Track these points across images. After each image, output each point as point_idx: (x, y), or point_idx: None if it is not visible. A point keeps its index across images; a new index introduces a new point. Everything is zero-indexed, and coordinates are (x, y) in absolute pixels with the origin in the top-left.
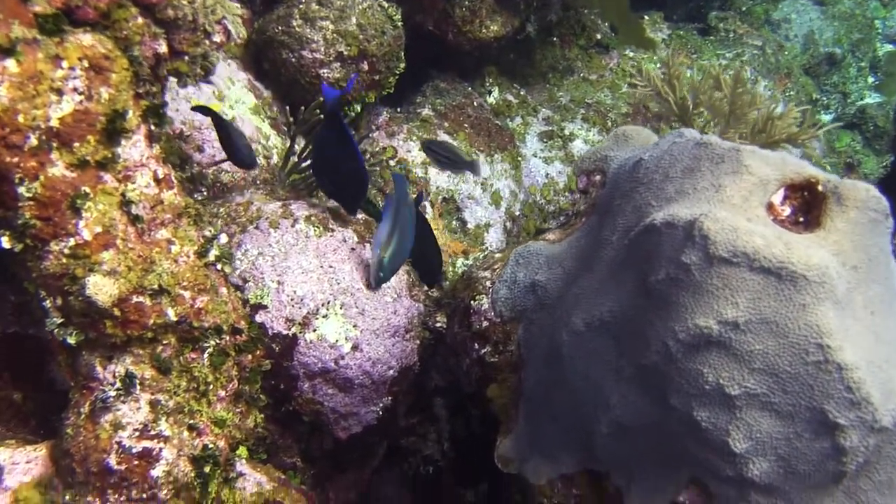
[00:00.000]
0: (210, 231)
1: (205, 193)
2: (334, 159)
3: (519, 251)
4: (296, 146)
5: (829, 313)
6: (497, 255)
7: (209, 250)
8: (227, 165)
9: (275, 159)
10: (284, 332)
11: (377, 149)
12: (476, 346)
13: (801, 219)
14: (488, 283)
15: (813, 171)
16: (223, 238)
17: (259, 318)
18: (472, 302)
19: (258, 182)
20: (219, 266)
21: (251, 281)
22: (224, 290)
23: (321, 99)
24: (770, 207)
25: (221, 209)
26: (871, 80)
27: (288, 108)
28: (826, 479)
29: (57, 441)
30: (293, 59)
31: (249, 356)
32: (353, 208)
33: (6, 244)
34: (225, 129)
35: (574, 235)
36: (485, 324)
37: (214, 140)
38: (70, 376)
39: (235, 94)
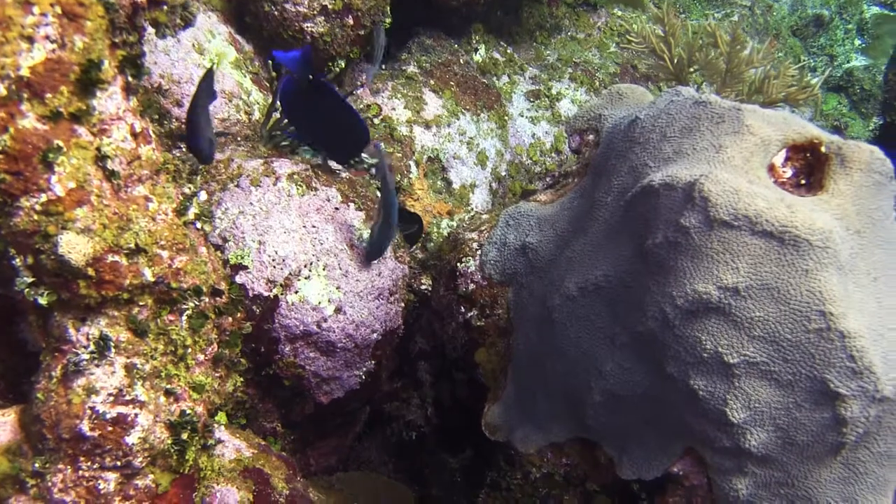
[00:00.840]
0: (189, 188)
1: (183, 149)
2: (323, 116)
3: (509, 212)
4: (277, 102)
5: (832, 279)
6: (484, 217)
7: (188, 208)
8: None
9: (256, 115)
10: (265, 294)
11: (361, 106)
12: (462, 309)
13: (804, 181)
14: (475, 245)
15: (816, 132)
16: (203, 195)
17: (239, 278)
18: (458, 264)
19: (239, 139)
20: (198, 224)
21: (231, 241)
22: (204, 249)
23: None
24: (771, 169)
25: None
26: (857, 42)
27: (270, 63)
28: (825, 450)
29: (27, 406)
30: (276, 13)
31: (230, 319)
32: (346, 159)
33: None
34: (197, 108)
35: (567, 196)
36: (471, 286)
37: None
38: (42, 338)
39: (216, 47)
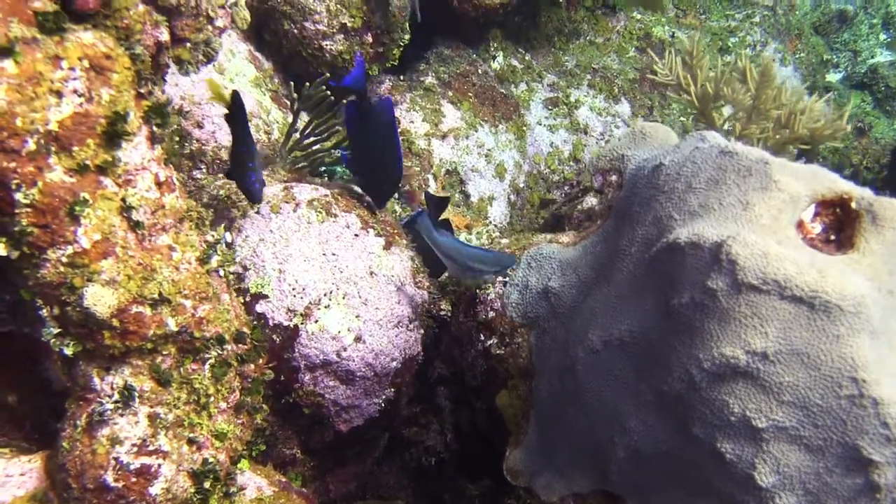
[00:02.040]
0: (213, 235)
1: (204, 171)
2: (375, 147)
3: (531, 254)
4: (298, 122)
5: (864, 345)
6: (503, 241)
7: (211, 256)
8: (226, 141)
9: (275, 134)
10: (286, 324)
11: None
12: (482, 336)
13: (833, 237)
14: None
15: (846, 187)
16: (228, 237)
17: (260, 307)
18: (477, 291)
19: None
20: (221, 272)
21: (252, 269)
22: (226, 296)
23: (326, 75)
24: (800, 225)
25: (222, 191)
26: (883, 37)
27: (292, 83)
28: None
29: (52, 453)
30: (295, 31)
31: (252, 366)
32: (383, 202)
33: (2, 251)
34: (244, 145)
35: (589, 240)
36: (491, 314)
37: (214, 115)
38: (67, 380)
39: (236, 66)
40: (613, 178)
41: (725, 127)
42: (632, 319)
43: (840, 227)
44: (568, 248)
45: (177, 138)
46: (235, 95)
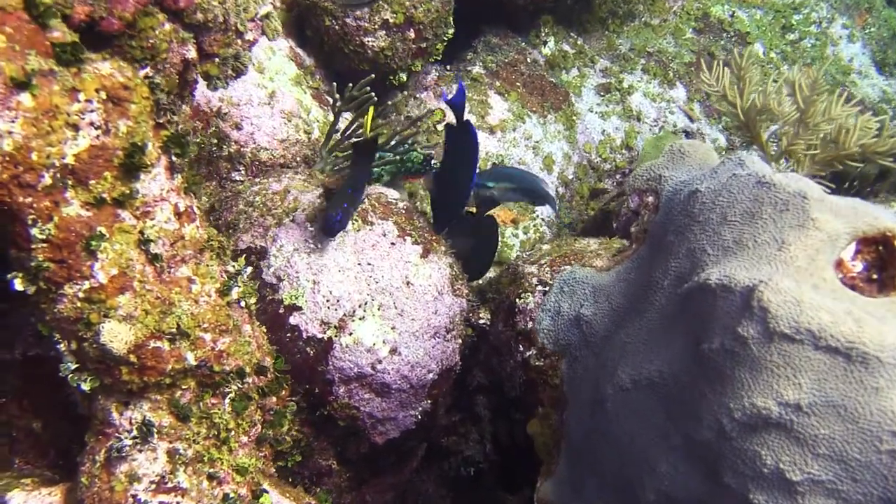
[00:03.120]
0: (233, 266)
1: (242, 172)
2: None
3: (564, 277)
4: (339, 122)
5: None
6: (544, 248)
7: (232, 287)
8: (265, 143)
9: (316, 133)
10: (319, 336)
11: (424, 110)
12: (521, 347)
13: (875, 276)
14: (535, 281)
15: (889, 223)
16: (248, 271)
17: (293, 319)
18: (517, 300)
19: (298, 159)
20: (242, 304)
21: (285, 280)
22: (248, 328)
23: (371, 76)
24: (840, 264)
25: (257, 197)
26: None
27: (335, 84)
28: None
29: (72, 486)
30: (336, 27)
31: (274, 398)
32: (441, 226)
33: (19, 286)
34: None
35: (623, 266)
36: (530, 324)
37: (253, 117)
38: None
39: (276, 64)
40: (650, 199)
41: (771, 142)
42: (662, 360)
43: (883, 266)
44: (601, 273)
45: (215, 140)
46: (371, 142)
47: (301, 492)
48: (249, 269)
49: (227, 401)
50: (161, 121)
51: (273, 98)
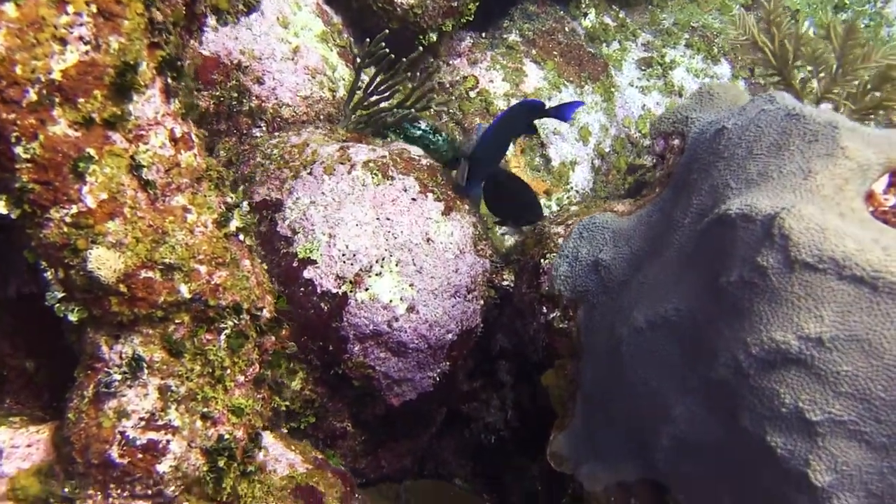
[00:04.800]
0: (232, 197)
1: (263, 128)
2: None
3: (584, 223)
4: (363, 77)
5: None
6: (573, 209)
7: (230, 219)
8: (287, 99)
9: (341, 92)
10: (334, 291)
11: (458, 77)
12: (544, 309)
13: None
14: (560, 241)
15: None
16: (245, 206)
17: (307, 273)
18: (541, 261)
19: (321, 117)
20: (241, 237)
21: (300, 233)
22: (247, 262)
23: (385, 31)
24: (870, 196)
25: (275, 150)
26: None
27: (351, 39)
28: None
29: (61, 424)
30: None
31: (273, 337)
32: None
33: (3, 209)
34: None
35: (645, 209)
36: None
37: (276, 71)
38: (79, 351)
39: (302, 19)
40: (676, 142)
41: (805, 89)
42: (679, 297)
43: None
44: (623, 217)
45: (235, 94)
46: None
47: (308, 445)
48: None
49: (222, 337)
50: (156, 40)
51: (297, 53)
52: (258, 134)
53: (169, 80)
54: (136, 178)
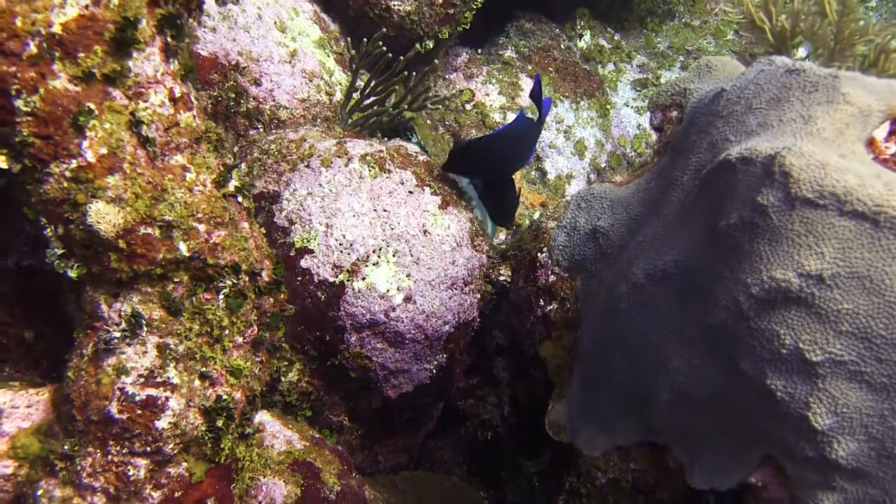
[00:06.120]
0: (231, 158)
1: (260, 130)
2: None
3: (581, 194)
4: (358, 81)
5: None
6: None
7: (229, 179)
8: (285, 101)
9: (338, 96)
10: (331, 280)
11: (454, 91)
12: (541, 302)
13: None
14: None
15: None
16: (244, 167)
17: (304, 262)
18: (538, 254)
19: (318, 120)
20: (240, 198)
21: (297, 223)
22: (245, 224)
23: (383, 30)
24: (871, 143)
25: (273, 145)
26: None
27: (349, 39)
28: None
29: (60, 385)
30: None
31: (271, 299)
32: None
33: (2, 164)
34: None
35: (644, 178)
36: (551, 278)
37: (273, 73)
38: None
39: (299, 25)
40: (674, 113)
41: None
42: (678, 249)
43: None
44: (621, 186)
45: (232, 95)
46: None
47: (305, 424)
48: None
49: (221, 297)
50: None
51: (294, 57)
52: (254, 134)
53: (169, 40)
54: (135, 135)
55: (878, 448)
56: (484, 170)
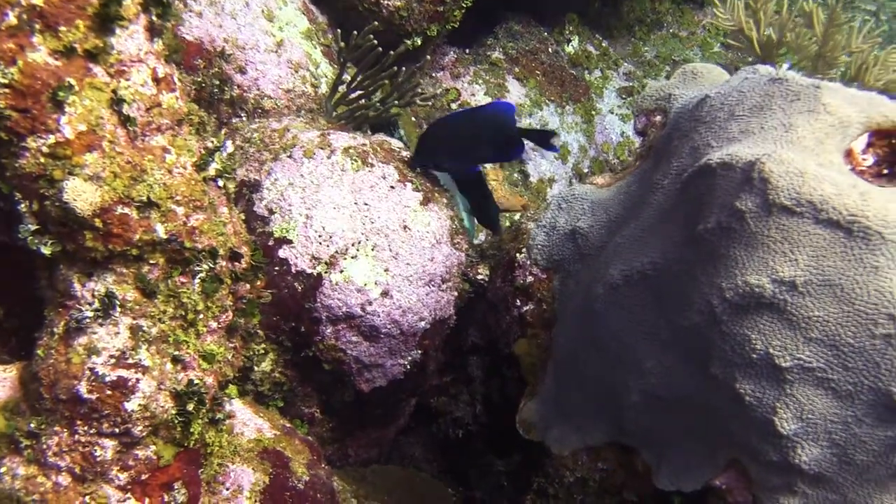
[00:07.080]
0: (213, 142)
1: (244, 118)
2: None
3: (562, 194)
4: (345, 74)
5: None
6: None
7: (210, 163)
8: (269, 90)
9: (323, 88)
10: (309, 271)
11: (440, 90)
12: (518, 302)
13: (886, 171)
14: None
15: None
16: (229, 146)
17: (282, 253)
18: (517, 255)
19: (302, 112)
20: (220, 182)
21: (277, 213)
22: (224, 209)
23: (374, 24)
24: (849, 155)
25: (255, 134)
26: None
27: (337, 31)
28: (889, 473)
29: (28, 363)
30: None
31: (247, 286)
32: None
33: None
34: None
35: (625, 180)
36: (529, 279)
37: (259, 62)
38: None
39: (287, 15)
40: (658, 118)
41: None
42: (655, 251)
43: (895, 160)
44: (602, 188)
45: (217, 82)
46: None
47: (276, 413)
48: (230, 144)
49: (196, 281)
50: None
51: (281, 47)
52: (238, 123)
53: (154, 18)
54: (116, 114)
55: (840, 454)
56: (449, 151)
